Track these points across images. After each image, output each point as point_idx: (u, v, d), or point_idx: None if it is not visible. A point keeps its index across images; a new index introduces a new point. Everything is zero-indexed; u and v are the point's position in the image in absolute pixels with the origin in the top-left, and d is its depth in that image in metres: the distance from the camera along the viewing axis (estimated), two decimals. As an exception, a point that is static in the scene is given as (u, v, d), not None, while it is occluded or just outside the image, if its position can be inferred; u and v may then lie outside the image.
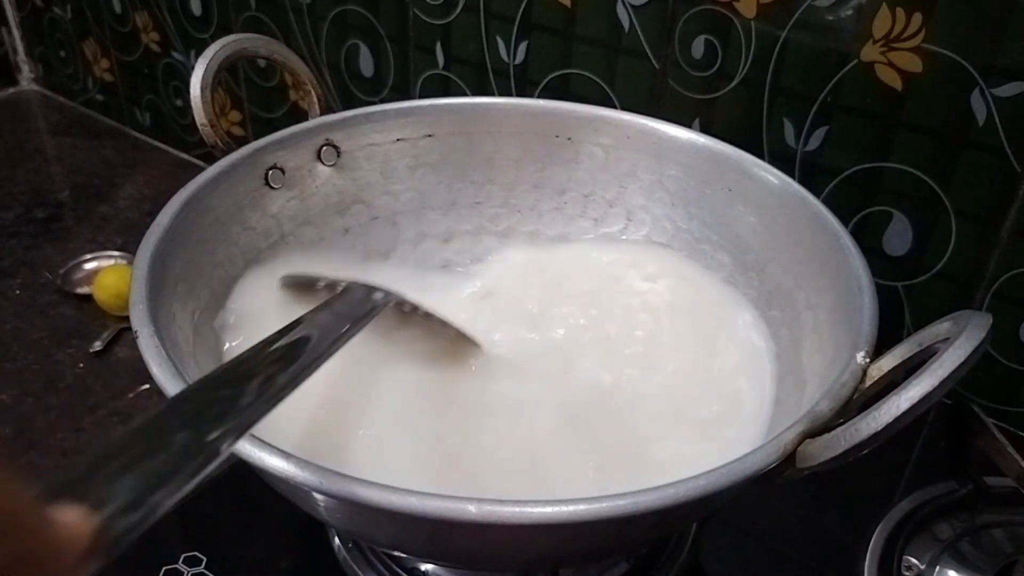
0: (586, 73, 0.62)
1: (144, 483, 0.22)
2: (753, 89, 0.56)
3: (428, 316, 0.46)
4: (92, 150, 0.96)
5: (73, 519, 0.19)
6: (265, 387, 0.29)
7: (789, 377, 0.45)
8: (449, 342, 0.47)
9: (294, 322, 0.35)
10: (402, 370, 0.46)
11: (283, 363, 0.31)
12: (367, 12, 0.71)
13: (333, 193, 0.54)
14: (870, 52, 0.51)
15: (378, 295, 0.43)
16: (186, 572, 0.46)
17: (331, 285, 0.46)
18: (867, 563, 0.46)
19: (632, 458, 0.43)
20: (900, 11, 0.49)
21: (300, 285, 0.47)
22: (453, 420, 0.44)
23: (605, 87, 0.62)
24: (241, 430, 0.26)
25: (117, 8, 0.91)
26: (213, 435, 0.25)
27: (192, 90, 0.49)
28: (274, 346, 0.33)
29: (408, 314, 0.46)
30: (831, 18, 0.51)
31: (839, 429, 0.31)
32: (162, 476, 0.22)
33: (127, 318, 0.37)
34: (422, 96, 0.71)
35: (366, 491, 0.29)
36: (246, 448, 0.30)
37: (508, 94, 0.67)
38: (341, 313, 0.39)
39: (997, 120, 0.48)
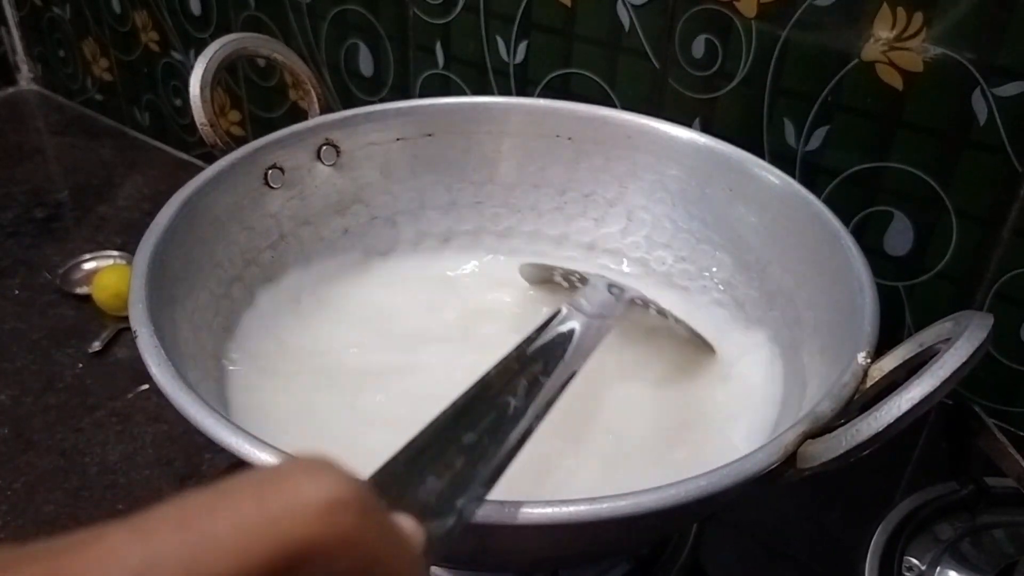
0: (586, 73, 0.62)
1: (449, 487, 0.23)
2: (754, 89, 0.55)
3: (662, 314, 0.45)
4: (91, 150, 0.96)
5: (409, 527, 0.19)
6: (533, 390, 0.29)
7: (790, 377, 0.44)
8: (677, 347, 0.45)
9: (551, 318, 0.35)
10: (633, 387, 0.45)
11: (545, 365, 0.31)
12: (367, 12, 0.71)
13: (333, 193, 0.54)
14: (871, 52, 0.50)
15: (615, 290, 0.41)
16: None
17: (567, 275, 0.46)
18: (868, 563, 0.46)
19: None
20: (901, 11, 0.49)
21: (539, 275, 0.48)
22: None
23: (605, 87, 0.62)
24: (519, 438, 0.27)
25: (116, 8, 0.91)
26: (491, 442, 0.26)
27: (191, 90, 0.49)
28: (534, 345, 0.32)
29: (635, 311, 0.44)
30: (831, 17, 0.51)
31: (840, 430, 0.31)
32: (464, 479, 0.23)
33: (126, 318, 0.37)
34: (422, 96, 0.71)
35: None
36: (244, 447, 0.30)
37: (508, 94, 0.67)
38: (593, 311, 0.37)
39: (998, 120, 0.48)
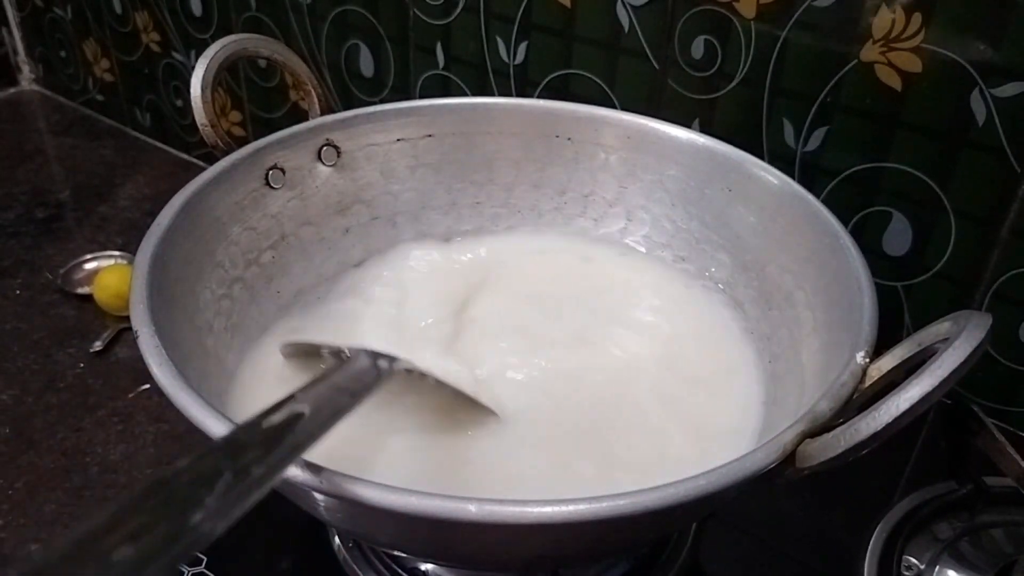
0: (586, 73, 0.62)
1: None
2: (753, 89, 0.56)
3: (439, 384, 0.42)
4: (92, 150, 0.96)
5: None
6: (244, 474, 0.25)
7: (789, 377, 0.45)
8: (463, 408, 0.43)
9: (286, 397, 0.31)
10: (406, 439, 0.42)
11: (268, 445, 0.27)
12: (367, 12, 0.71)
13: (333, 193, 0.54)
14: (870, 52, 0.51)
15: (383, 363, 0.37)
16: (186, 572, 0.46)
17: (335, 352, 0.41)
18: (867, 563, 0.46)
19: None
20: (900, 11, 0.49)
21: (302, 353, 0.44)
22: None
23: (605, 87, 0.62)
24: (214, 521, 0.23)
25: (117, 8, 0.91)
26: (188, 522, 0.22)
27: (192, 90, 0.49)
28: (264, 424, 0.28)
29: (417, 380, 0.41)
30: (830, 18, 0.51)
31: (839, 429, 0.31)
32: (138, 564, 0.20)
33: (127, 318, 0.37)
34: (422, 96, 0.71)
35: (366, 491, 0.29)
36: (246, 448, 0.30)
37: (508, 94, 0.67)
38: (341, 385, 0.34)
39: (997, 120, 0.48)
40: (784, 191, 0.48)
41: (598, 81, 0.62)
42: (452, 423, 0.43)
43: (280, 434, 0.28)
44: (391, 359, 0.38)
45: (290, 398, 0.31)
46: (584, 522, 0.28)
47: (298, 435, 0.29)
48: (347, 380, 0.35)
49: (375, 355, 0.38)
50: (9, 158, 0.93)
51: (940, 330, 0.34)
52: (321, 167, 0.53)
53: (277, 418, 0.29)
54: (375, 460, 0.41)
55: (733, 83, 0.56)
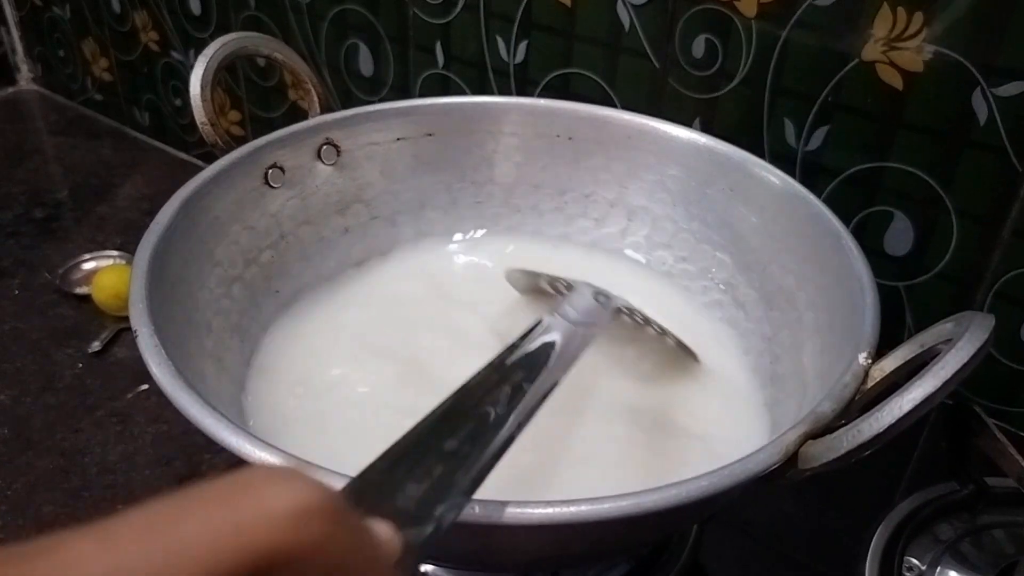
0: (586, 73, 0.62)
1: (428, 494, 0.22)
2: (754, 89, 0.55)
3: (646, 322, 0.43)
4: (91, 150, 0.96)
5: (386, 535, 0.19)
6: (515, 398, 0.29)
7: (790, 378, 0.44)
8: (662, 355, 0.45)
9: (533, 327, 0.34)
10: (614, 386, 0.44)
11: (528, 374, 0.30)
12: (367, 11, 0.71)
13: (333, 192, 0.54)
14: (871, 51, 0.50)
15: (602, 298, 0.40)
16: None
17: (552, 282, 0.45)
18: (868, 564, 0.46)
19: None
20: (901, 10, 0.49)
21: (523, 281, 0.48)
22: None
23: (605, 87, 0.62)
24: (500, 446, 0.27)
25: (116, 8, 0.91)
26: (472, 450, 0.26)
27: (192, 89, 0.49)
28: (516, 353, 0.31)
29: (620, 319, 0.43)
30: (832, 17, 0.51)
31: (841, 430, 0.31)
32: (443, 486, 0.23)
33: (125, 318, 0.37)
34: (422, 95, 0.71)
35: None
36: (245, 447, 0.30)
37: (508, 94, 0.67)
38: (578, 319, 0.36)
39: (998, 120, 0.48)
40: (785, 191, 0.48)
41: (598, 80, 0.62)
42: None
43: (543, 358, 0.32)
44: (608, 296, 0.40)
45: (541, 324, 0.34)
46: (586, 523, 0.28)
47: (556, 362, 0.32)
48: (581, 313, 0.37)
49: (596, 291, 0.40)
50: (8, 158, 0.92)
51: (943, 331, 0.34)
52: (321, 166, 0.52)
53: (529, 348, 0.32)
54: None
55: (734, 82, 0.56)
